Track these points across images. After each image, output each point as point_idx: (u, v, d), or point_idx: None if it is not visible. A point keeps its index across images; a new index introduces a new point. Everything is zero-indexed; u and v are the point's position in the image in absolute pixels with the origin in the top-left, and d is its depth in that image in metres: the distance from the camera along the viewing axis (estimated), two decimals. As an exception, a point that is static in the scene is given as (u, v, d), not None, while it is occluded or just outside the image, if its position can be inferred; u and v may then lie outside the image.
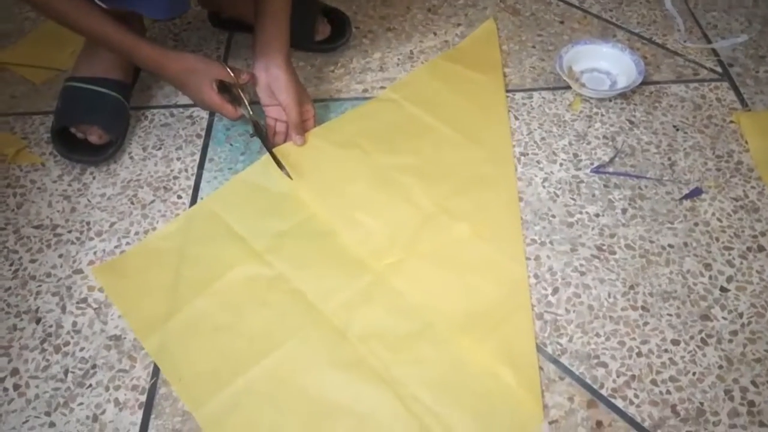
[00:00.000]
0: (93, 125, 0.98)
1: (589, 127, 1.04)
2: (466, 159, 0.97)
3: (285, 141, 0.99)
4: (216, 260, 0.86)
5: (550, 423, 0.72)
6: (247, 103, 0.94)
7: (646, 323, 0.80)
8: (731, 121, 1.04)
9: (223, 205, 0.93)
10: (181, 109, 1.09)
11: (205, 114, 1.08)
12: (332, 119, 1.05)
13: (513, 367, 0.74)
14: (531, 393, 0.73)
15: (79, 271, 0.87)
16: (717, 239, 0.88)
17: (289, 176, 0.92)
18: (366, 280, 0.83)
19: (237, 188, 0.95)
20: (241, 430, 0.72)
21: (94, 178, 0.99)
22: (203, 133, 1.05)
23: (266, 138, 0.96)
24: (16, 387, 0.76)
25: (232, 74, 0.92)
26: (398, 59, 1.17)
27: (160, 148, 1.03)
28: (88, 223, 0.92)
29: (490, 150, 0.99)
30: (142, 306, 0.82)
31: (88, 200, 0.96)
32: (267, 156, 0.95)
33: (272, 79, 0.94)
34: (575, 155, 1.00)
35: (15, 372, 0.77)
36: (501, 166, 0.97)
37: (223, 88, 0.93)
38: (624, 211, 0.92)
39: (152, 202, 0.95)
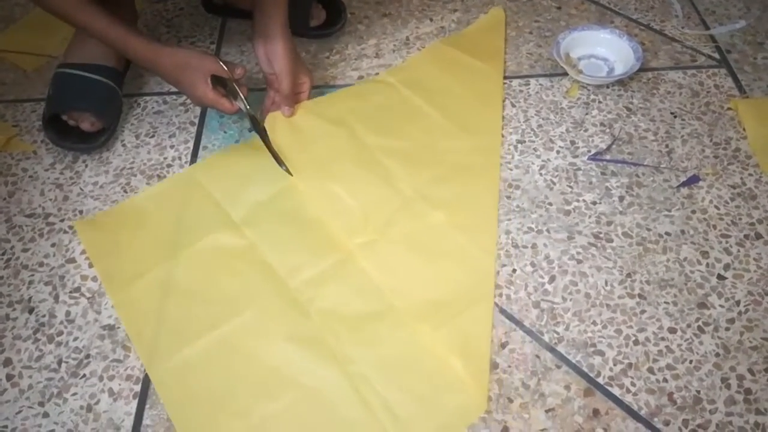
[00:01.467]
0: (85, 112, 0.97)
1: (587, 114, 1.03)
2: (453, 147, 0.97)
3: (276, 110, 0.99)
4: (193, 226, 0.88)
5: (547, 411, 0.71)
6: (243, 98, 0.91)
7: (643, 311, 0.80)
8: (729, 108, 1.03)
9: (206, 173, 0.95)
10: (174, 97, 1.07)
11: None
12: (325, 95, 1.05)
13: (464, 357, 0.74)
14: (478, 384, 0.73)
15: (72, 260, 0.86)
16: (714, 227, 0.88)
17: (289, 173, 0.90)
18: (335, 257, 0.84)
19: (223, 158, 0.97)
20: (192, 391, 0.73)
21: (86, 166, 0.98)
22: (197, 121, 1.04)
23: (264, 133, 0.93)
24: (9, 377, 0.76)
25: (225, 68, 0.90)
26: (394, 45, 1.16)
27: (153, 136, 1.02)
28: (81, 212, 0.92)
29: (478, 140, 0.98)
30: (116, 261, 0.85)
31: (81, 188, 0.95)
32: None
33: (269, 49, 0.94)
34: (572, 142, 0.99)
35: (8, 362, 0.77)
36: (486, 157, 0.96)
37: (219, 82, 0.91)
38: (621, 198, 0.91)
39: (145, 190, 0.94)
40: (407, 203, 0.89)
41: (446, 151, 0.96)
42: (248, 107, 0.91)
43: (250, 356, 0.76)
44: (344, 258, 0.84)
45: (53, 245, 0.88)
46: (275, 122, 0.96)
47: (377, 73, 1.10)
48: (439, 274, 0.82)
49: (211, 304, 0.80)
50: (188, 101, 1.06)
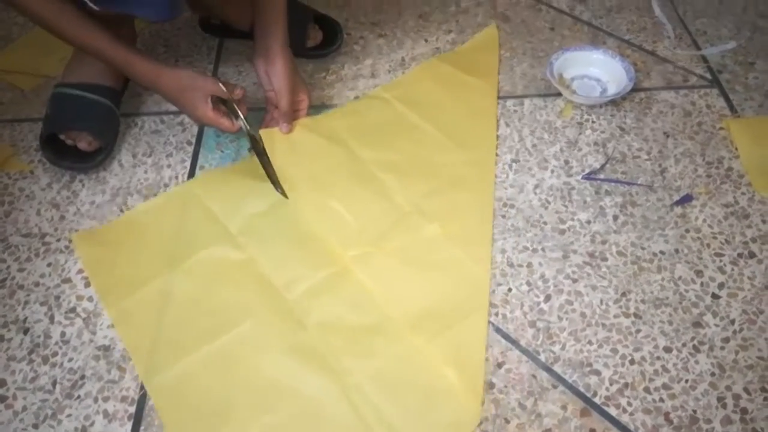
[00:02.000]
0: (82, 132, 0.97)
1: (580, 133, 1.04)
2: (448, 161, 0.98)
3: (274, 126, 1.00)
4: (190, 239, 0.89)
5: None
6: (243, 117, 0.92)
7: (638, 330, 0.80)
8: (721, 128, 1.05)
9: (204, 187, 0.96)
10: (171, 116, 1.08)
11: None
12: (322, 113, 1.07)
13: (459, 369, 0.75)
14: (472, 395, 0.73)
15: (68, 280, 0.86)
16: (708, 246, 0.88)
17: (284, 195, 0.91)
18: (331, 270, 0.85)
19: (221, 174, 0.99)
20: (189, 403, 0.74)
21: (83, 185, 0.98)
22: (194, 140, 1.04)
23: (263, 154, 0.94)
24: (3, 399, 0.75)
25: (225, 89, 0.91)
26: (389, 66, 1.17)
27: (150, 155, 1.02)
28: (77, 232, 0.91)
29: (473, 154, 1.00)
30: (113, 275, 0.86)
31: (77, 208, 0.95)
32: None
33: (269, 67, 0.95)
34: (566, 162, 1.00)
35: (2, 383, 0.76)
36: (481, 170, 0.97)
37: (219, 101, 0.92)
38: (615, 217, 0.92)
39: (142, 209, 0.94)
40: (403, 216, 0.90)
41: (441, 165, 0.98)
42: (248, 127, 0.92)
43: (248, 368, 0.76)
44: (340, 270, 0.85)
45: (49, 265, 0.88)
46: (273, 138, 0.97)
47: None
48: (433, 286, 0.83)
49: (209, 316, 0.81)
50: (186, 120, 1.07)
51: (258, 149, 0.94)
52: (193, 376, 0.76)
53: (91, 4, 0.86)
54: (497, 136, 1.03)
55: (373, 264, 0.85)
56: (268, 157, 0.93)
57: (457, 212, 0.91)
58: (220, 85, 0.91)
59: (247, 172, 0.97)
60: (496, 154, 1.01)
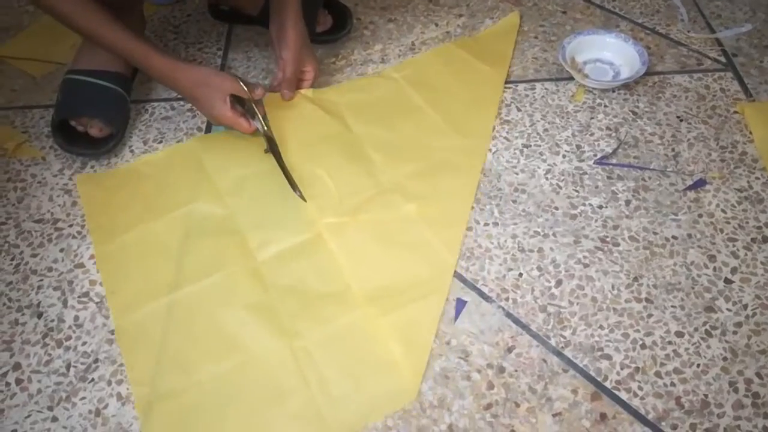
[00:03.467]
0: (93, 118, 0.98)
1: (592, 118, 1.03)
2: (441, 145, 0.99)
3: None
4: (182, 192, 0.93)
5: (554, 416, 0.71)
6: (261, 118, 0.91)
7: (650, 315, 0.79)
8: (735, 112, 1.03)
9: (204, 146, 1.00)
10: (181, 103, 1.08)
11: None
12: (327, 87, 1.09)
13: (405, 346, 0.77)
14: (413, 373, 0.75)
15: (81, 265, 0.87)
16: (721, 230, 0.88)
17: (303, 198, 0.88)
18: (304, 236, 0.87)
19: (223, 136, 1.01)
20: (148, 341, 0.78)
21: (94, 171, 0.98)
22: (204, 126, 1.04)
23: (280, 155, 0.92)
24: (18, 381, 0.76)
25: (245, 88, 0.90)
26: (399, 50, 1.16)
27: (161, 142, 1.02)
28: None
29: (467, 141, 1.00)
30: (105, 216, 0.91)
31: (89, 194, 0.95)
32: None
33: (281, 35, 0.98)
34: (578, 146, 0.99)
35: (17, 367, 0.77)
36: (471, 159, 0.98)
37: (237, 101, 0.92)
38: (627, 202, 0.91)
39: (153, 195, 0.95)
40: (383, 193, 0.92)
41: (433, 148, 0.98)
42: (266, 128, 0.92)
43: (207, 319, 0.80)
44: (312, 238, 0.87)
45: (62, 250, 0.88)
46: (273, 103, 1.00)
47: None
48: (398, 263, 0.85)
49: (181, 266, 0.85)
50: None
51: (275, 150, 0.92)
52: (156, 319, 0.80)
53: None
54: (508, 120, 1.03)
55: (346, 234, 0.87)
56: (284, 160, 0.92)
57: (437, 196, 0.92)
58: (241, 83, 0.91)
59: (250, 137, 0.98)
60: (507, 138, 1.00)
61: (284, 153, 0.94)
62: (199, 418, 0.73)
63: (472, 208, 0.91)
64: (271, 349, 0.77)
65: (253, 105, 0.91)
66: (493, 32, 1.19)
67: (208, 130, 1.03)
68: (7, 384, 0.76)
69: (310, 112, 1.02)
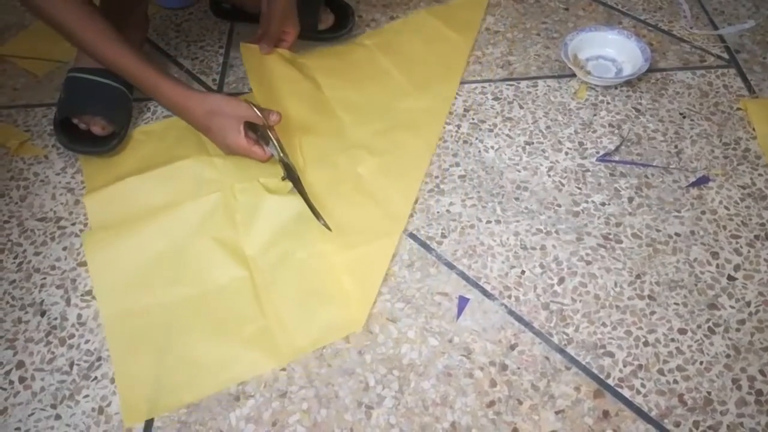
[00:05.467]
0: (96, 116, 0.98)
1: (595, 115, 1.03)
2: (405, 106, 1.04)
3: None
4: (174, 152, 0.96)
5: (557, 413, 0.71)
6: (276, 144, 0.88)
7: (653, 312, 0.79)
8: (738, 108, 1.03)
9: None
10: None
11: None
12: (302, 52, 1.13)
13: (356, 281, 0.82)
14: (362, 306, 0.80)
15: (84, 264, 0.87)
16: (724, 227, 0.87)
17: (327, 227, 0.84)
18: (275, 179, 0.90)
19: None
20: (121, 260, 0.84)
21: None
22: (206, 124, 1.04)
23: (299, 182, 0.88)
24: (21, 380, 0.76)
25: (260, 115, 0.88)
26: (401, 48, 1.16)
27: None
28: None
29: (430, 103, 1.05)
30: (102, 172, 0.96)
31: (92, 192, 0.95)
32: None
33: None
34: (581, 144, 0.99)
35: (20, 365, 0.77)
36: (433, 119, 1.03)
37: (249, 127, 0.90)
38: (630, 199, 0.91)
39: (156, 193, 0.95)
40: (348, 148, 0.97)
41: (398, 110, 1.04)
42: (282, 154, 0.89)
43: (177, 243, 0.85)
44: (279, 182, 0.90)
45: (65, 249, 0.89)
46: (250, 53, 1.04)
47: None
48: (356, 208, 0.90)
49: (165, 200, 0.90)
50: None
51: (294, 178, 0.88)
52: (128, 239, 0.86)
53: None
54: (510, 118, 1.03)
55: (309, 180, 0.92)
56: (303, 185, 0.89)
57: (398, 151, 0.97)
58: (255, 109, 0.88)
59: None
60: (509, 136, 1.00)
61: (256, 101, 0.95)
62: (160, 335, 0.78)
63: (474, 206, 0.91)
64: (233, 279, 0.82)
65: (268, 131, 0.89)
66: (463, 2, 1.24)
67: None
68: (11, 382, 0.76)
69: (285, 70, 1.05)
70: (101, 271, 0.84)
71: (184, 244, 0.85)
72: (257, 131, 0.91)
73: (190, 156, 0.95)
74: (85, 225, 0.91)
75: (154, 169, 0.94)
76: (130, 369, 0.76)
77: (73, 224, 0.91)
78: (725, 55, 1.12)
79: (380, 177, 0.94)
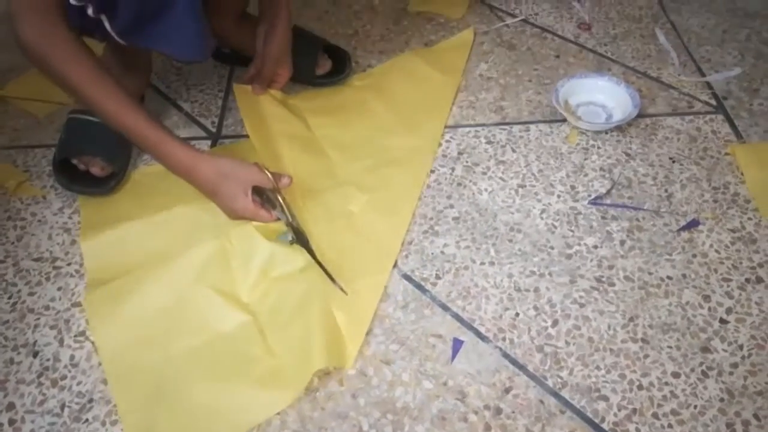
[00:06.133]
0: (95, 157, 0.99)
1: (586, 159, 1.05)
2: (393, 145, 1.07)
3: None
4: (171, 191, 0.95)
5: (552, 458, 0.71)
6: (285, 208, 0.86)
7: (646, 355, 0.79)
8: (727, 153, 1.05)
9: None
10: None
11: (206, 146, 1.09)
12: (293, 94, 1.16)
13: (348, 316, 0.82)
14: (352, 342, 0.80)
15: (78, 304, 0.87)
16: (715, 271, 0.88)
17: (343, 291, 0.83)
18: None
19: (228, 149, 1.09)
20: (118, 319, 0.83)
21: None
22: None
23: (309, 245, 0.86)
24: (11, 422, 0.75)
25: (271, 178, 0.86)
26: (397, 93, 1.18)
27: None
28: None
29: (418, 141, 1.08)
30: (99, 212, 0.97)
31: (88, 233, 0.96)
32: None
33: (270, 32, 1.02)
34: (572, 187, 1.00)
35: (11, 407, 0.77)
36: (420, 157, 1.05)
37: (254, 190, 0.87)
38: (622, 242, 0.92)
39: (152, 234, 0.95)
40: (338, 186, 0.99)
41: (386, 147, 1.06)
42: (291, 218, 0.86)
43: (177, 295, 0.84)
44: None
45: (59, 289, 0.89)
46: (244, 94, 1.07)
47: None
48: (346, 244, 0.91)
49: (159, 238, 0.91)
50: (197, 147, 1.08)
51: (303, 241, 0.86)
52: (131, 291, 0.84)
53: (117, 38, 0.88)
54: (503, 161, 1.04)
55: (304, 215, 0.92)
56: (313, 249, 0.86)
57: (388, 187, 1.00)
58: (267, 173, 0.86)
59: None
60: (502, 179, 1.02)
61: (252, 148, 0.97)
62: (170, 389, 0.77)
63: (468, 247, 0.92)
64: (237, 324, 0.82)
65: (278, 195, 0.86)
66: (449, 44, 1.29)
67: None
68: (0, 424, 0.75)
69: (276, 110, 1.08)
70: (104, 332, 0.82)
71: (184, 295, 0.84)
72: (263, 194, 0.88)
73: (188, 199, 0.94)
74: (81, 266, 0.91)
75: (152, 215, 0.94)
76: (139, 426, 0.74)
77: (69, 264, 0.92)
78: (713, 102, 1.15)
79: (370, 213, 0.96)
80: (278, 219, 0.88)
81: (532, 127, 1.11)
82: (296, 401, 0.76)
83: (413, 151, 1.06)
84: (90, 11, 0.84)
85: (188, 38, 0.90)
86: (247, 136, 1.02)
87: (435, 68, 1.21)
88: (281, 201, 0.87)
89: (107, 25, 0.86)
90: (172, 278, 0.85)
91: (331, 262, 0.86)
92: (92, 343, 0.82)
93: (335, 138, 1.07)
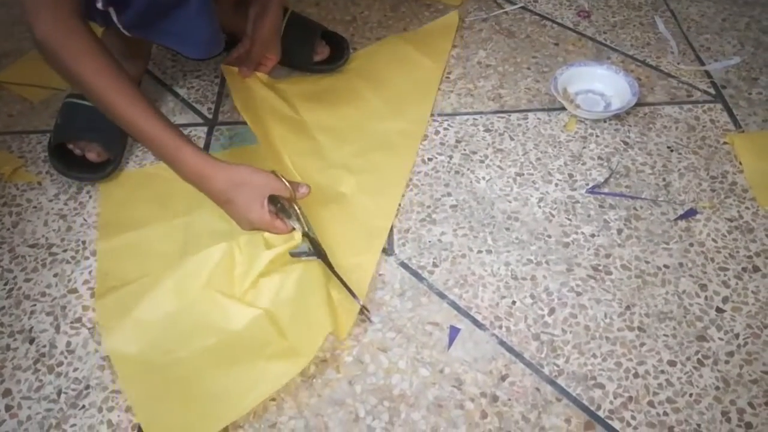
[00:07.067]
0: (92, 142, 0.98)
1: (584, 147, 1.05)
2: (382, 128, 1.07)
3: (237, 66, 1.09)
4: (189, 189, 0.91)
5: (547, 445, 0.71)
6: (302, 217, 0.83)
7: (642, 344, 0.80)
8: (725, 142, 1.05)
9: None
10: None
11: (203, 133, 1.08)
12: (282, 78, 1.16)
13: (342, 294, 0.82)
14: (346, 318, 0.81)
15: (74, 291, 0.86)
16: (712, 260, 0.88)
17: (366, 310, 0.82)
18: None
19: (240, 153, 1.06)
20: (129, 326, 0.80)
21: (90, 196, 0.99)
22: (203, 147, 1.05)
23: (326, 257, 0.83)
24: (8, 408, 0.75)
25: (289, 187, 0.82)
26: (395, 80, 1.18)
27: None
28: (83, 242, 0.92)
29: (405, 124, 1.08)
30: (118, 209, 0.97)
31: (84, 219, 0.95)
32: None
33: (259, 17, 1.03)
34: (570, 176, 1.00)
35: (7, 393, 0.77)
36: (409, 140, 1.06)
37: (269, 200, 0.83)
38: (619, 231, 0.92)
39: (148, 221, 0.95)
40: (327, 168, 1.00)
41: (374, 131, 1.07)
42: (307, 228, 0.84)
43: (188, 301, 0.82)
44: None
45: (55, 275, 0.88)
46: (232, 75, 1.08)
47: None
48: (337, 226, 0.92)
49: (173, 243, 0.90)
50: (194, 132, 1.08)
51: (319, 253, 0.83)
52: (142, 299, 0.82)
53: (123, 30, 0.87)
54: (501, 149, 1.04)
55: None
56: (329, 259, 0.84)
57: (377, 170, 1.00)
58: (284, 181, 0.82)
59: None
60: (500, 167, 1.01)
61: (241, 114, 0.99)
62: (183, 385, 0.76)
63: (465, 236, 0.92)
64: (250, 319, 0.80)
65: (294, 205, 0.83)
66: (434, 27, 1.29)
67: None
68: (-3, 410, 0.75)
69: (263, 93, 1.08)
70: (114, 338, 0.80)
71: (195, 300, 0.82)
72: (277, 203, 0.84)
73: (208, 204, 0.87)
74: (77, 252, 0.91)
75: (171, 219, 0.93)
76: (155, 419, 0.73)
77: (65, 251, 0.91)
78: (712, 91, 1.15)
79: (360, 196, 0.97)
80: (293, 229, 0.84)
81: (531, 115, 1.11)
82: (293, 388, 0.76)
83: (400, 134, 1.07)
84: (99, 4, 0.82)
85: (201, 37, 0.89)
86: (244, 123, 1.02)
87: (421, 52, 1.22)
88: (298, 211, 0.83)
89: (114, 17, 0.85)
90: (182, 285, 0.82)
91: (325, 242, 0.86)
92: (88, 329, 0.82)
93: (324, 122, 1.08)
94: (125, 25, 0.87)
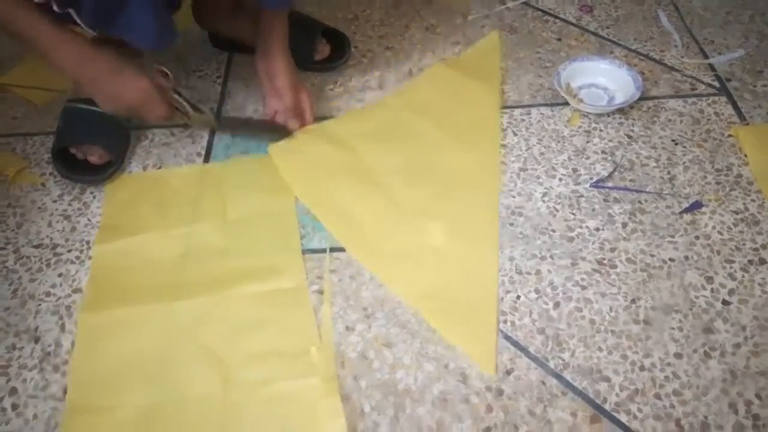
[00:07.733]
0: (93, 145, 0.99)
1: (588, 142, 1.04)
2: (454, 164, 0.99)
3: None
4: (192, 196, 0.96)
5: (553, 439, 0.71)
6: (185, 101, 0.95)
7: (648, 337, 0.79)
8: (730, 135, 1.04)
9: (225, 171, 1.01)
10: (181, 129, 1.09)
11: (205, 133, 1.08)
12: (330, 120, 1.09)
13: (470, 325, 0.80)
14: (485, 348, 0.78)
15: (79, 290, 0.87)
16: (718, 252, 0.88)
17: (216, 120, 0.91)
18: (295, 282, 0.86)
19: (246, 164, 1.02)
20: (98, 353, 0.80)
21: (94, 197, 0.99)
22: (203, 152, 1.05)
23: (237, 119, 0.93)
24: (14, 407, 0.76)
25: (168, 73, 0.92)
26: (397, 77, 1.18)
27: (160, 168, 1.03)
28: (87, 243, 0.92)
29: (477, 156, 1.01)
30: (121, 211, 0.96)
31: (88, 219, 0.96)
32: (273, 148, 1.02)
33: (270, 66, 0.98)
34: (574, 170, 1.00)
35: (13, 391, 0.77)
36: (486, 173, 0.99)
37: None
38: (624, 225, 0.92)
39: (152, 220, 0.95)
40: (407, 216, 0.92)
41: (446, 167, 0.99)
42: (207, 110, 0.97)
43: (164, 342, 0.80)
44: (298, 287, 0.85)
45: (60, 275, 0.89)
46: (280, 151, 1.01)
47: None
48: (439, 281, 0.85)
49: (166, 278, 0.86)
50: (195, 133, 1.08)
51: (228, 120, 0.96)
52: (123, 323, 0.82)
53: (87, 29, 0.87)
54: (504, 145, 1.04)
55: (377, 264, 0.87)
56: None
57: (463, 213, 0.92)
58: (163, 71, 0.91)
59: (272, 170, 1.00)
60: (503, 162, 1.01)
61: (303, 196, 0.95)
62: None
63: (470, 231, 0.92)
64: (206, 394, 0.75)
65: (178, 95, 0.93)
66: (477, 51, 1.22)
67: (207, 156, 1.04)
68: (3, 409, 0.75)
69: (315, 148, 1.01)
70: (82, 361, 0.79)
71: (171, 344, 0.80)
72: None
73: (211, 216, 0.92)
74: (81, 252, 0.91)
75: (168, 228, 0.92)
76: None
77: (69, 251, 0.91)
78: (716, 84, 1.14)
79: (454, 246, 0.88)
80: (176, 108, 0.93)
81: (534, 110, 1.10)
82: (297, 384, 0.76)
83: (476, 168, 0.99)
84: (55, 7, 0.81)
85: (149, 28, 0.85)
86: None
87: (470, 76, 1.14)
88: (181, 96, 0.92)
89: (76, 18, 0.85)
90: (163, 324, 0.82)
91: (432, 308, 0.82)
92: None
93: (390, 163, 0.99)
94: (87, 23, 0.85)
